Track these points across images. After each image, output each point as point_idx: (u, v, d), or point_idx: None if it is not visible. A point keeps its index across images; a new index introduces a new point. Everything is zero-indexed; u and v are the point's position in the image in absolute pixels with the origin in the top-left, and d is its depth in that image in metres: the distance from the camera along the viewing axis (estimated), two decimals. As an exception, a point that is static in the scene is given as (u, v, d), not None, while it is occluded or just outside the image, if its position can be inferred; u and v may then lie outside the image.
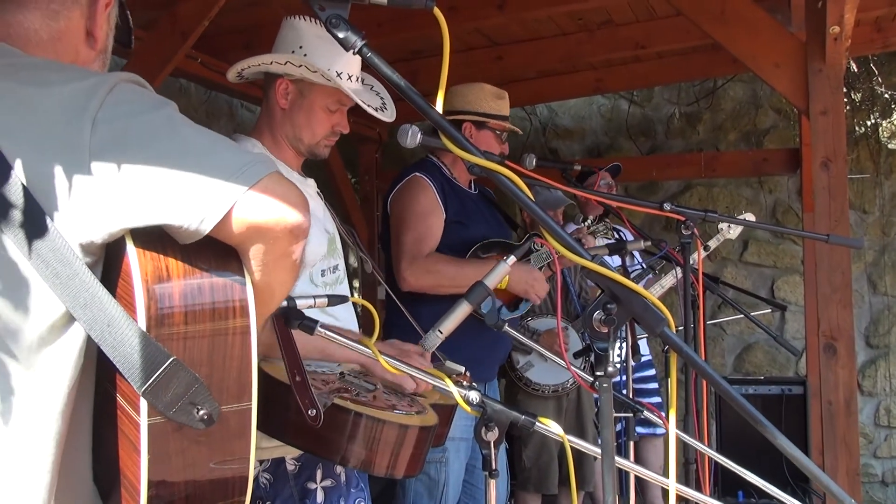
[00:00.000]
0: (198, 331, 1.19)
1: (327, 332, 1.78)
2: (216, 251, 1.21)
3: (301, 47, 2.38)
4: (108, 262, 1.23)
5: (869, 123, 6.65)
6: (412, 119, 2.45)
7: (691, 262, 2.77)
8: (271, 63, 2.38)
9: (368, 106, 2.41)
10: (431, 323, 2.31)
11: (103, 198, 1.16)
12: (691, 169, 6.48)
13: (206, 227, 1.16)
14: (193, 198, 1.15)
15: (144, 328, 1.14)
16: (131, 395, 1.16)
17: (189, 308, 1.18)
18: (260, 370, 1.28)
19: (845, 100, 5.53)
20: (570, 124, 7.17)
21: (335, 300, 1.96)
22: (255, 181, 1.17)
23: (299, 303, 1.78)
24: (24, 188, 1.16)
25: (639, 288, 1.33)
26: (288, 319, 1.76)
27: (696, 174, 6.56)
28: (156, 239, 1.18)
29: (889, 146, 6.64)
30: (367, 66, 1.72)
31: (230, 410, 1.21)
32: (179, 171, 1.16)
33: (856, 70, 6.39)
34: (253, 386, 1.23)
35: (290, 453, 2.22)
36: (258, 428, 1.26)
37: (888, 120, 6.69)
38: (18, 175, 1.16)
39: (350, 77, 2.38)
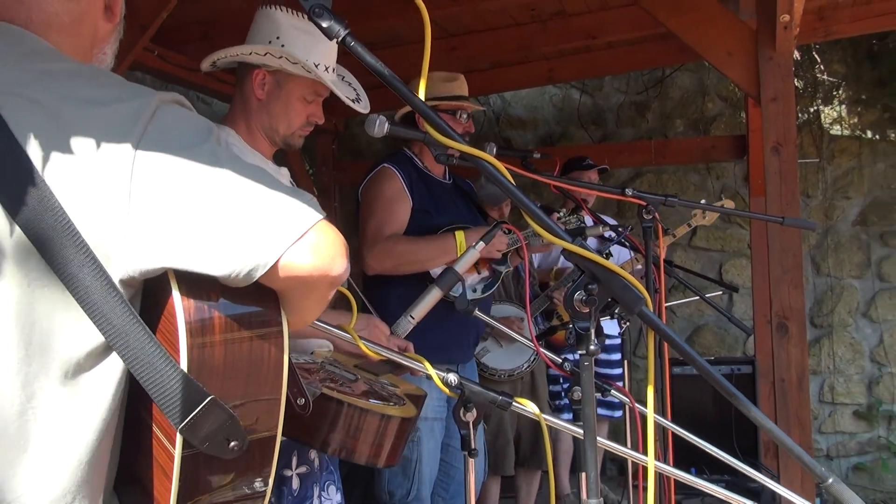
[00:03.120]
0: (236, 365, 1.20)
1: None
2: (254, 289, 1.19)
3: (278, 38, 2.34)
4: (151, 295, 1.21)
5: (812, 110, 6.76)
6: (379, 109, 2.45)
7: (654, 247, 2.80)
8: (250, 53, 2.34)
9: (347, 98, 2.39)
10: (401, 305, 2.32)
11: (145, 235, 1.13)
12: (641, 156, 6.56)
13: (256, 276, 1.14)
14: (243, 247, 1.13)
15: (185, 366, 1.13)
16: (167, 428, 1.16)
17: (229, 343, 1.19)
18: None
19: (790, 87, 5.61)
20: (523, 114, 7.20)
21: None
22: (303, 231, 1.14)
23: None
24: (68, 220, 1.12)
25: (618, 268, 1.34)
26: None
27: (646, 161, 6.64)
28: (200, 279, 1.16)
29: (831, 132, 6.76)
30: (345, 56, 1.71)
31: (257, 438, 1.22)
32: (227, 218, 1.13)
33: (799, 58, 6.49)
34: (280, 418, 1.25)
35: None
36: None
37: (830, 106, 6.81)
38: (63, 206, 1.13)
39: (327, 68, 2.36)
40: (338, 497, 2.50)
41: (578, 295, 1.35)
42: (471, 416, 1.71)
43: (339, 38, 1.29)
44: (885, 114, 6.70)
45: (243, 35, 2.49)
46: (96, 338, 1.15)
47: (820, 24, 5.53)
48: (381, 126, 2.32)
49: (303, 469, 2.33)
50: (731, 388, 1.38)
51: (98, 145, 1.14)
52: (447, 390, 1.72)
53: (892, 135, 6.69)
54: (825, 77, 6.76)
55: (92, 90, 1.21)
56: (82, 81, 1.24)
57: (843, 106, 6.82)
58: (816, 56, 6.72)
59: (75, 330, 1.15)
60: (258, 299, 1.21)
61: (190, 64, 4.85)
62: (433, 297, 2.20)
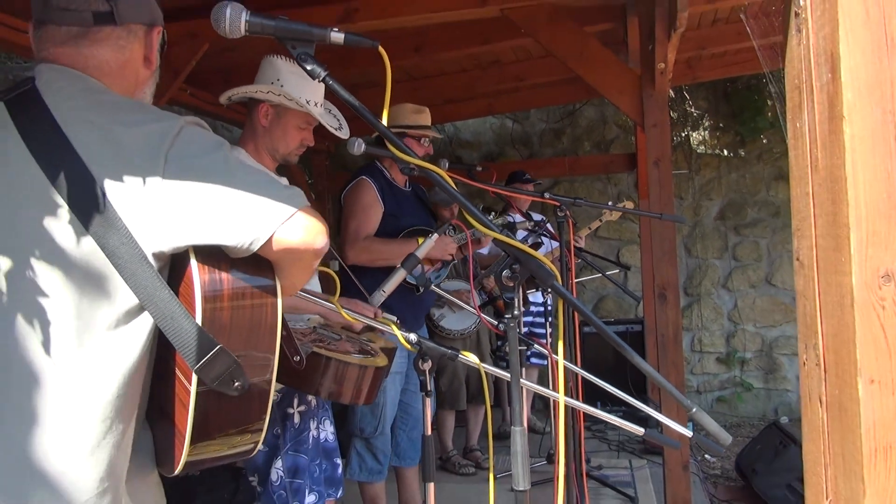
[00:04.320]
0: (240, 325, 1.19)
1: (304, 294, 1.75)
2: (256, 263, 1.20)
3: (278, 80, 2.34)
4: (173, 267, 1.21)
5: (683, 134, 6.83)
6: (360, 134, 2.42)
7: (566, 236, 2.81)
8: (256, 91, 2.34)
9: (330, 126, 2.39)
10: (372, 288, 2.30)
11: (173, 218, 1.14)
12: (558, 169, 6.60)
13: (255, 247, 1.14)
14: (246, 224, 1.14)
15: (200, 322, 1.13)
16: (186, 370, 1.16)
17: (234, 307, 1.18)
18: None
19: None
20: (469, 138, 7.19)
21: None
22: (291, 213, 1.16)
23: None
24: (111, 206, 1.12)
25: (534, 252, 1.34)
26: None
27: (562, 173, 6.67)
28: (213, 253, 1.17)
29: (697, 150, 6.84)
30: (329, 94, 1.69)
31: (257, 381, 1.22)
32: (233, 203, 1.14)
33: (673, 96, 6.55)
34: (274, 365, 1.24)
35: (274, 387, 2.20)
36: None
37: (696, 131, 6.88)
38: (106, 196, 1.13)
39: (316, 104, 2.35)
40: (331, 428, 2.49)
41: (505, 273, 1.34)
42: (426, 366, 1.70)
43: (320, 78, 1.27)
44: (737, 137, 6.79)
45: (252, 78, 2.46)
46: (132, 300, 1.15)
47: (689, 71, 5.60)
48: (358, 146, 2.28)
49: (302, 408, 2.31)
50: (620, 342, 1.38)
51: (138, 154, 1.16)
52: (408, 346, 1.71)
53: (743, 153, 6.79)
54: (693, 110, 6.83)
55: (132, 115, 1.22)
56: (125, 109, 1.24)
57: (707, 131, 6.89)
58: (686, 94, 6.79)
59: (116, 294, 1.15)
60: (258, 270, 1.20)
61: (215, 101, 4.76)
62: (399, 275, 2.18)
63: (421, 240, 3.11)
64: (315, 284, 2.48)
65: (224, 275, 1.17)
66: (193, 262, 1.15)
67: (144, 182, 1.13)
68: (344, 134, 2.45)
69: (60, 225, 1.14)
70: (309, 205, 1.19)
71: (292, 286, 1.29)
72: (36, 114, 1.18)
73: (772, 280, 6.68)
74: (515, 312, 1.34)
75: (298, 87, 2.31)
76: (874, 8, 0.77)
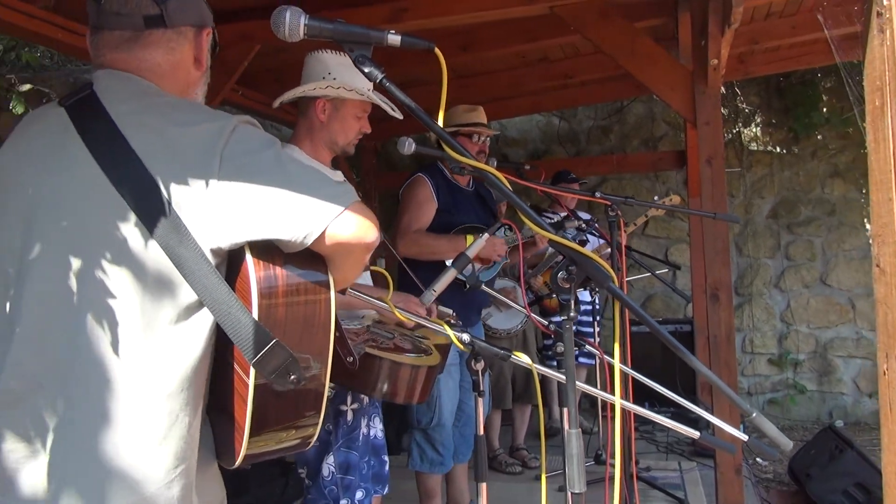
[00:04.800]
0: (294, 319, 1.21)
1: (355, 292, 1.77)
2: (309, 259, 1.22)
3: (329, 73, 2.35)
4: (230, 262, 1.23)
5: (734, 131, 6.70)
6: (410, 132, 2.43)
7: (617, 236, 2.78)
8: (314, 89, 2.34)
9: (388, 108, 2.39)
10: (424, 281, 2.31)
11: (229, 215, 1.16)
12: (606, 167, 6.54)
13: (309, 241, 1.17)
14: (300, 220, 1.16)
15: (256, 317, 1.15)
16: (244, 364, 1.18)
17: (289, 303, 1.20)
18: None
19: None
20: (516, 136, 7.15)
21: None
22: (343, 208, 1.17)
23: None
24: (170, 205, 1.15)
25: (591, 253, 1.32)
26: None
27: (609, 171, 6.60)
28: (267, 250, 1.19)
29: (749, 148, 6.70)
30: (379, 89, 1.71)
31: (311, 374, 1.23)
32: (288, 200, 1.16)
33: (724, 92, 6.43)
34: (328, 358, 1.25)
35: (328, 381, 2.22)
36: None
37: (748, 128, 6.74)
38: (165, 195, 1.16)
39: (369, 89, 2.36)
40: (380, 425, 2.51)
41: (561, 275, 1.33)
42: (479, 366, 1.70)
43: (378, 80, 1.27)
44: (790, 134, 6.62)
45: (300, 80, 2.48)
46: (192, 296, 1.18)
47: (740, 66, 5.49)
48: (409, 146, 2.30)
49: (355, 405, 2.33)
50: (676, 343, 1.36)
51: (193, 153, 1.18)
52: (461, 346, 1.71)
53: (796, 150, 6.62)
54: (744, 106, 6.69)
55: (187, 115, 1.24)
56: (179, 110, 1.27)
57: (758, 128, 6.74)
58: (738, 90, 6.65)
59: (177, 291, 1.18)
60: (311, 265, 1.22)
61: (266, 101, 4.85)
62: (450, 275, 2.17)
63: (470, 238, 3.12)
64: (366, 278, 2.50)
65: (279, 270, 1.19)
66: (249, 258, 1.18)
67: (201, 181, 1.16)
68: (398, 115, 2.45)
69: (126, 227, 1.17)
70: (360, 200, 1.21)
71: (344, 280, 1.30)
72: (95, 118, 1.22)
73: (826, 280, 6.51)
74: (571, 314, 1.33)
75: (351, 77, 2.32)
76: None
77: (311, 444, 1.31)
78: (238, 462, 1.24)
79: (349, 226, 1.18)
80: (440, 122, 1.31)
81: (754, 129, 6.74)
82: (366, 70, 1.27)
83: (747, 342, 6.62)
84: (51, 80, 3.79)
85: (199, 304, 1.18)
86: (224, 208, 1.16)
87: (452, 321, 2.60)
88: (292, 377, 1.17)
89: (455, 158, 1.32)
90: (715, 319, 3.38)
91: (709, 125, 3.42)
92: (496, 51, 4.73)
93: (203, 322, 1.20)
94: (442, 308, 2.38)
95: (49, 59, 4.30)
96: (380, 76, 1.27)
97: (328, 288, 1.23)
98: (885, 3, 0.74)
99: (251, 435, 1.19)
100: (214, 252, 1.17)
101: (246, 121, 1.26)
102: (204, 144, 1.18)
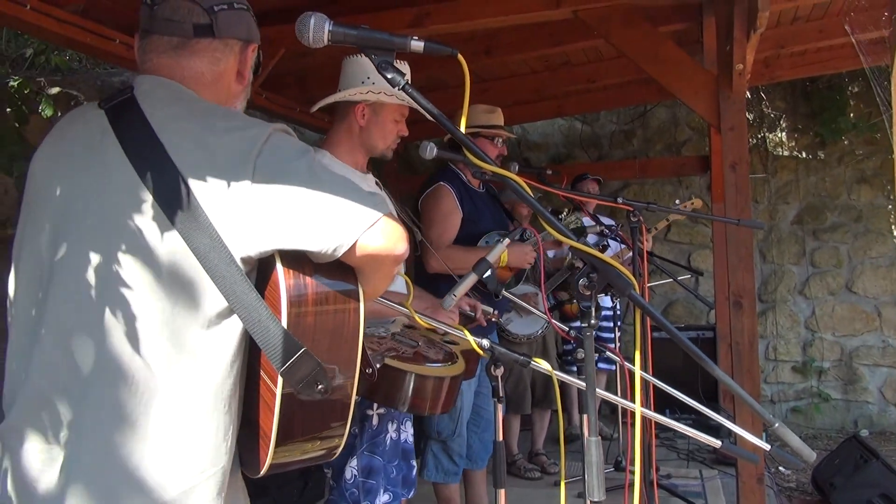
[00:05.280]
0: (323, 329, 1.20)
1: (380, 299, 1.77)
2: (339, 269, 1.21)
3: (368, 78, 2.34)
4: (260, 270, 1.23)
5: (759, 136, 6.63)
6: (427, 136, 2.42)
7: (639, 241, 2.76)
8: (355, 94, 2.34)
9: (424, 111, 2.38)
10: (447, 288, 2.30)
11: (261, 224, 1.16)
12: (629, 171, 6.50)
13: (339, 253, 1.16)
14: (330, 232, 1.16)
15: (285, 325, 1.15)
16: (271, 372, 1.18)
17: (318, 312, 1.20)
18: None
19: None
20: (538, 139, 7.14)
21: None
22: (374, 220, 1.17)
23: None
24: (202, 211, 1.16)
25: (612, 261, 1.32)
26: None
27: (632, 175, 6.57)
28: (297, 259, 1.19)
29: (774, 153, 6.63)
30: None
31: (338, 384, 1.22)
32: (320, 211, 1.16)
33: (749, 96, 6.37)
34: (356, 369, 1.24)
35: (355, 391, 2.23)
36: None
37: (773, 133, 6.68)
38: (198, 201, 1.16)
39: (405, 75, 2.35)
40: (411, 430, 2.52)
41: (582, 281, 1.32)
42: (499, 372, 1.69)
43: (400, 86, 1.28)
44: (816, 139, 6.55)
45: (326, 82, 2.48)
46: (221, 302, 1.18)
47: (766, 71, 5.44)
48: (431, 151, 2.29)
49: (381, 410, 2.33)
50: (698, 352, 1.35)
51: (228, 160, 1.18)
52: (481, 351, 1.70)
53: (822, 155, 6.55)
54: (770, 111, 6.62)
55: (224, 122, 1.25)
56: (217, 116, 1.28)
57: (784, 133, 6.67)
58: (763, 95, 6.59)
59: (206, 296, 1.18)
60: (341, 275, 1.22)
61: (289, 104, 4.87)
62: (471, 279, 2.16)
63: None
64: (400, 286, 2.50)
65: (308, 279, 1.19)
66: (279, 267, 1.17)
67: (234, 187, 1.16)
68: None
69: (156, 230, 1.18)
70: (391, 210, 1.21)
71: (374, 291, 1.30)
72: (133, 120, 1.24)
73: (852, 287, 6.42)
74: (592, 321, 1.32)
75: None
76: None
77: (336, 454, 1.30)
78: (263, 472, 1.23)
79: (379, 238, 1.18)
80: (461, 128, 1.31)
81: (780, 134, 6.67)
82: (388, 76, 1.28)
83: (771, 349, 6.54)
84: (79, 84, 3.84)
85: (229, 311, 1.18)
86: (255, 216, 1.16)
87: (494, 319, 2.59)
88: (319, 387, 1.16)
89: (478, 165, 1.32)
90: (738, 327, 3.35)
91: (733, 130, 3.39)
92: (519, 55, 4.73)
93: (232, 329, 1.20)
94: (485, 307, 2.37)
95: (78, 63, 4.36)
96: (402, 82, 1.27)
97: (357, 299, 1.23)
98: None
99: (277, 445, 1.18)
100: (244, 260, 1.17)
101: (282, 129, 1.27)
102: (239, 152, 1.18)
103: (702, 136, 6.61)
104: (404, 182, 6.55)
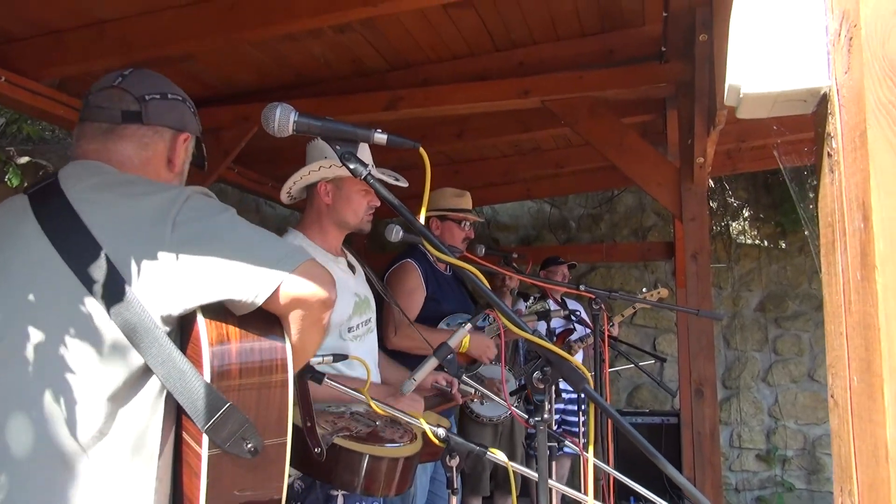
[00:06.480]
0: (249, 383, 1.17)
1: (332, 383, 1.75)
2: (264, 320, 1.20)
3: (326, 157, 2.38)
4: (181, 327, 1.22)
5: (723, 224, 6.79)
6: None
7: (600, 328, 2.78)
8: (309, 173, 2.37)
9: (390, 180, 2.39)
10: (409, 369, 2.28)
11: (181, 281, 1.16)
12: (596, 255, 6.58)
13: (260, 301, 1.16)
14: (250, 279, 1.16)
15: (208, 380, 1.13)
16: (195, 432, 1.14)
17: (243, 365, 1.17)
18: None
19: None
20: (507, 221, 7.24)
21: (338, 358, 1.94)
22: (296, 265, 1.18)
23: (312, 360, 1.76)
24: (118, 273, 1.16)
25: (566, 354, 1.33)
26: (302, 373, 1.73)
27: (598, 259, 6.65)
28: (219, 311, 1.18)
29: (737, 241, 6.78)
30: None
31: (271, 444, 1.18)
32: (240, 260, 1.17)
33: (713, 185, 6.55)
34: (288, 425, 1.21)
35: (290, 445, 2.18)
36: None
37: (736, 222, 6.84)
38: (113, 263, 1.16)
39: (366, 165, 2.37)
40: None
41: (536, 375, 1.33)
42: (454, 462, 1.67)
43: (362, 177, 1.31)
44: (778, 228, 6.72)
45: (300, 158, 2.52)
46: (138, 361, 1.17)
47: (728, 162, 5.61)
48: (396, 233, 2.35)
49: (346, 491, 2.27)
50: (650, 447, 1.35)
51: (146, 223, 1.20)
52: (436, 441, 1.68)
53: (783, 244, 6.71)
54: (733, 200, 6.81)
55: (140, 188, 1.28)
56: (134, 184, 1.31)
57: (746, 221, 6.85)
58: (726, 184, 6.78)
59: (127, 357, 1.17)
60: (266, 327, 1.20)
61: (260, 179, 4.91)
62: (431, 364, 2.16)
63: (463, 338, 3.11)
64: (371, 358, 2.46)
65: (232, 329, 1.17)
66: (200, 320, 1.16)
67: (152, 249, 1.17)
68: (403, 183, 2.47)
69: (74, 297, 1.17)
70: (313, 258, 1.21)
71: (304, 344, 1.27)
72: (53, 200, 1.26)
73: (815, 375, 6.48)
74: (546, 416, 1.32)
75: None
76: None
77: None
78: None
79: (303, 282, 1.18)
80: (421, 218, 1.33)
81: (742, 223, 6.84)
82: (351, 167, 1.31)
83: (735, 436, 6.53)
84: (49, 154, 3.85)
85: (147, 370, 1.17)
86: (175, 274, 1.16)
87: (475, 399, 2.55)
88: (249, 445, 1.13)
89: (438, 256, 1.34)
90: (699, 415, 3.35)
91: (694, 221, 3.48)
92: (489, 139, 4.84)
93: (151, 388, 1.19)
94: (464, 386, 2.35)
95: (50, 133, 4.37)
96: (364, 173, 1.30)
97: (285, 351, 1.21)
98: (833, 145, 0.77)
99: None
100: (164, 319, 1.17)
101: (200, 191, 1.29)
102: (157, 213, 1.20)
103: (667, 222, 6.75)
104: (373, 259, 6.54)
